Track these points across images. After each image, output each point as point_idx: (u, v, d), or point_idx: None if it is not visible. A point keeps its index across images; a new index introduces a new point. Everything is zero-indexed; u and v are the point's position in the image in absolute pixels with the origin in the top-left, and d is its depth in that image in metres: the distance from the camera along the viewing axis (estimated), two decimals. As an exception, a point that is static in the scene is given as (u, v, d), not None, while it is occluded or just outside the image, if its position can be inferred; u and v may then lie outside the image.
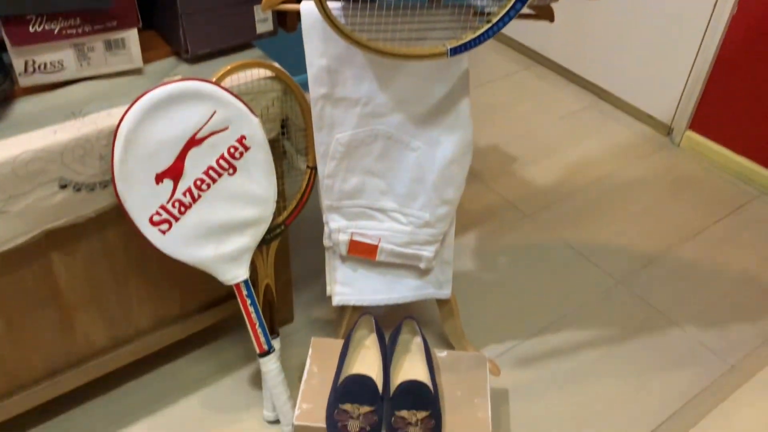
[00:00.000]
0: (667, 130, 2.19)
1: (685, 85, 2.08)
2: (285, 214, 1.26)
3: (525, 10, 1.02)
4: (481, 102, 2.31)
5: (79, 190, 1.04)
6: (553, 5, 1.14)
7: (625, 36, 2.18)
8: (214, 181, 1.11)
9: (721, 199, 1.95)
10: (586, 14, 2.27)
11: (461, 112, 1.16)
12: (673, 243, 1.81)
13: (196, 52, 1.15)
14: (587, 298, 1.65)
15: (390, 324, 1.54)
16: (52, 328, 1.19)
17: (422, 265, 1.31)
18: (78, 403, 1.37)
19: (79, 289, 1.18)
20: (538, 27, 2.47)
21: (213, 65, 1.16)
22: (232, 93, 1.08)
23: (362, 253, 1.29)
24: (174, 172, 1.07)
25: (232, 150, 1.10)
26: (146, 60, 1.14)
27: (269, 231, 1.22)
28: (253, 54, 1.19)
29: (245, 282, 1.20)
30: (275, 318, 1.30)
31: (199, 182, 1.09)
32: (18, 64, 1.03)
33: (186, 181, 1.08)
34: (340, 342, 1.34)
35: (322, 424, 1.20)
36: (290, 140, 1.25)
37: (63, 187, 1.02)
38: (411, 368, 1.31)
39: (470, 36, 1.01)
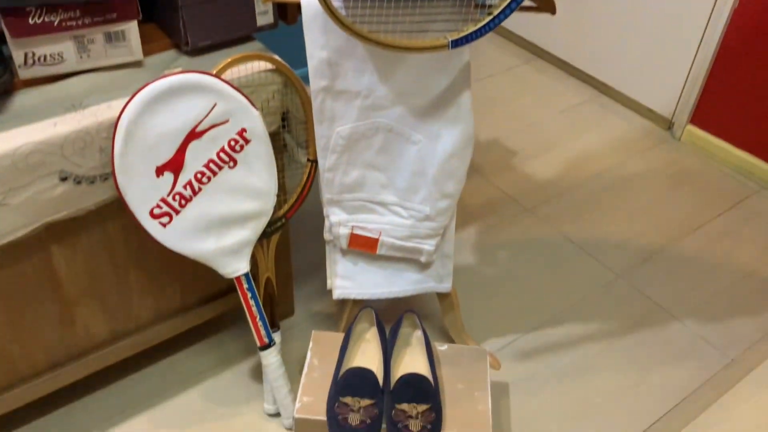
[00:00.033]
0: (668, 125, 2.18)
1: (686, 79, 2.07)
2: (286, 207, 1.26)
3: (526, 2, 1.02)
4: (482, 96, 2.31)
5: (79, 182, 1.04)
6: (555, -2, 1.14)
7: (626, 30, 2.18)
8: (214, 174, 1.10)
9: (721, 194, 1.95)
10: (587, 8, 2.27)
11: (462, 105, 1.16)
12: (674, 237, 1.81)
13: (197, 45, 1.14)
14: (587, 292, 1.65)
15: (390, 317, 1.54)
16: (53, 321, 1.19)
17: (423, 259, 1.31)
18: (79, 396, 1.37)
19: (80, 282, 1.17)
20: (538, 21, 2.46)
21: (213, 58, 1.15)
22: (232, 85, 1.08)
23: (363, 246, 1.29)
24: (174, 164, 1.07)
25: (232, 143, 1.10)
26: (146, 52, 1.14)
27: (270, 224, 1.22)
28: (254, 47, 1.19)
29: (246, 275, 1.19)
30: (276, 311, 1.30)
31: (199, 175, 1.09)
32: (18, 57, 1.03)
33: (186, 174, 1.08)
34: (340, 335, 1.34)
35: (323, 417, 1.20)
36: (291, 133, 1.24)
37: (63, 179, 1.02)
38: (411, 361, 1.31)
39: (471, 28, 1.01)
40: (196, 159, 1.08)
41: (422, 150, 1.19)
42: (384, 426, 1.19)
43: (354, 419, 1.16)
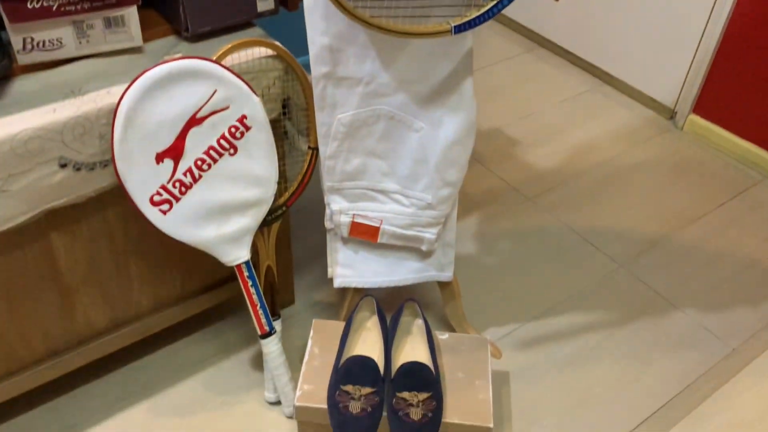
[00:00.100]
0: (670, 114, 2.17)
1: (689, 68, 2.06)
2: (286, 195, 1.25)
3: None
4: (484, 84, 2.30)
5: (79, 169, 1.03)
6: (558, -16, 1.13)
7: (628, 19, 2.16)
8: (215, 161, 1.10)
9: (724, 183, 1.95)
10: (590, -4, 2.25)
11: (465, 92, 1.15)
12: (676, 227, 1.81)
13: (197, 31, 1.13)
14: (589, 281, 1.65)
15: (391, 306, 1.54)
16: (52, 308, 1.18)
17: (424, 248, 1.30)
18: (79, 384, 1.37)
19: (80, 270, 1.17)
20: (541, 9, 2.44)
21: (213, 44, 1.14)
22: (233, 72, 1.07)
23: (364, 235, 1.29)
24: (174, 151, 1.06)
25: (233, 130, 1.09)
26: (146, 38, 1.13)
27: (270, 212, 1.22)
28: (254, 33, 1.18)
29: (246, 263, 1.19)
30: (276, 299, 1.30)
31: (199, 162, 1.08)
32: (16, 42, 1.02)
33: (186, 161, 1.07)
34: (341, 324, 1.34)
35: (324, 406, 1.20)
36: (291, 120, 1.24)
37: (63, 166, 1.01)
38: (412, 350, 1.31)
39: (475, 13, 1.00)
40: (196, 146, 1.07)
41: (424, 137, 1.18)
42: (385, 414, 1.19)
43: (355, 407, 1.16)
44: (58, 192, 1.03)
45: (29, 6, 0.99)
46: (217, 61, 1.06)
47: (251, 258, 1.19)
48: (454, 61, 1.12)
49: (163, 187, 1.07)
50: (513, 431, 1.33)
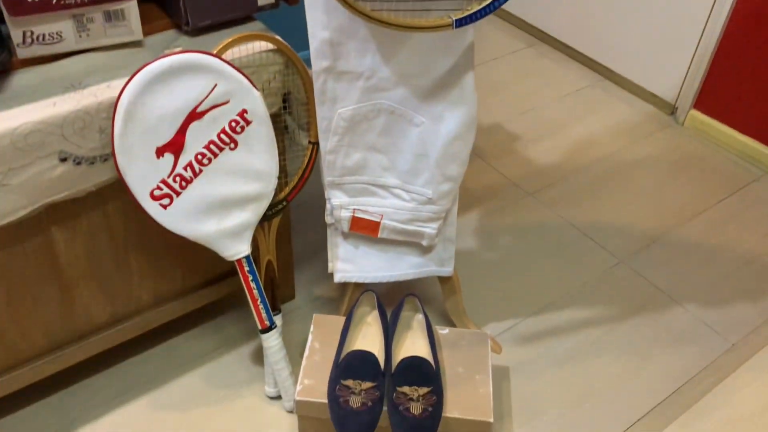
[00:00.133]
0: (671, 109, 2.17)
1: (690, 63, 2.06)
2: (287, 190, 1.25)
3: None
4: (484, 80, 2.29)
5: (79, 163, 1.03)
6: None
7: (629, 14, 2.16)
8: (215, 155, 1.09)
9: (724, 179, 1.95)
10: (591, -9, 2.25)
11: (466, 86, 1.15)
12: (676, 222, 1.81)
13: (197, 25, 1.13)
14: (589, 277, 1.65)
15: (392, 301, 1.54)
16: (53, 303, 1.18)
17: (425, 243, 1.30)
18: (79, 378, 1.37)
19: (80, 264, 1.17)
20: (542, 4, 2.44)
21: (214, 38, 1.14)
22: (233, 66, 1.06)
23: (364, 229, 1.29)
24: (175, 146, 1.06)
25: (233, 124, 1.09)
26: (146, 32, 1.13)
27: (271, 207, 1.22)
28: (255, 27, 1.18)
29: (247, 258, 1.19)
30: (277, 294, 1.30)
31: (200, 156, 1.08)
32: (16, 36, 1.01)
33: (187, 156, 1.07)
34: (341, 319, 1.34)
35: (324, 400, 1.20)
36: (292, 115, 1.23)
37: (63, 160, 1.01)
38: (413, 345, 1.31)
39: (476, 7, 0.99)
40: (196, 140, 1.07)
41: (425, 132, 1.18)
42: (385, 408, 1.19)
43: (355, 402, 1.16)
44: (58, 186, 1.03)
45: (29, -1, 0.99)
46: (218, 55, 1.06)
47: (252, 253, 1.19)
48: (455, 55, 1.11)
49: (164, 182, 1.07)
50: (513, 426, 1.34)
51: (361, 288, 1.39)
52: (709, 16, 1.96)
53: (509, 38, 2.51)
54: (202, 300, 1.38)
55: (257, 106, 1.10)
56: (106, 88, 1.02)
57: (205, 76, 1.04)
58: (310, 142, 1.24)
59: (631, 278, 1.65)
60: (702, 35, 2.00)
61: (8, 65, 1.03)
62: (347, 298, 1.41)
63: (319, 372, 1.25)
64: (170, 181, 1.07)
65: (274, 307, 1.29)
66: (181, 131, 1.05)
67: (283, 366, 1.28)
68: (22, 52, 1.03)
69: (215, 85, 1.05)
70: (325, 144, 1.20)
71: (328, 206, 1.28)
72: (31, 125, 0.96)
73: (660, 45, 2.12)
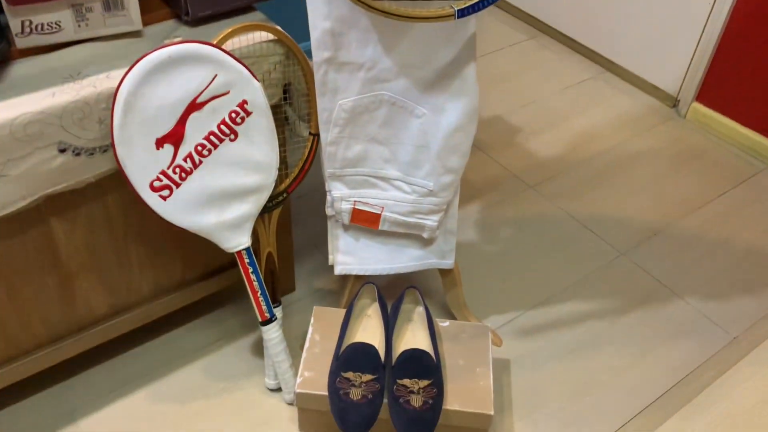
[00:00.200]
0: (673, 102, 2.16)
1: (693, 56, 2.05)
2: (287, 181, 1.24)
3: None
4: (485, 71, 2.28)
5: (78, 154, 1.02)
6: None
7: (632, 6, 2.14)
8: (215, 146, 1.09)
9: (726, 172, 1.94)
10: (593, -17, 2.23)
11: (467, 78, 1.14)
12: (678, 215, 1.80)
13: (197, 15, 1.12)
14: (590, 269, 1.64)
15: (392, 293, 1.54)
16: (52, 294, 1.18)
17: (425, 235, 1.30)
18: (79, 370, 1.37)
19: (79, 256, 1.17)
20: (543, -4, 2.43)
21: (214, 28, 1.13)
22: (233, 56, 1.06)
23: (365, 221, 1.28)
24: (174, 136, 1.05)
25: (233, 115, 1.08)
26: (146, 22, 1.12)
27: (271, 199, 1.21)
28: (255, 17, 1.17)
29: (247, 250, 1.19)
30: (277, 286, 1.29)
31: (200, 147, 1.08)
32: (15, 25, 1.01)
33: (187, 147, 1.07)
34: (342, 311, 1.34)
35: (324, 392, 1.20)
36: (292, 106, 1.23)
37: (62, 151, 1.00)
38: (413, 337, 1.31)
39: (478, -2, 0.98)
40: (196, 131, 1.06)
41: (426, 123, 1.18)
42: (385, 401, 1.19)
43: (355, 394, 1.16)
44: (57, 177, 1.02)
45: (27, -12, 0.98)
46: (218, 46, 1.05)
47: (252, 245, 1.19)
48: (457, 46, 1.10)
49: (163, 173, 1.06)
50: (513, 418, 1.34)
51: (362, 280, 1.39)
52: (711, 8, 1.95)
53: (511, 30, 2.50)
54: (202, 292, 1.38)
55: (258, 97, 1.09)
56: (105, 78, 1.02)
57: (205, 67, 1.04)
58: (310, 134, 1.23)
59: (632, 271, 1.64)
60: (704, 27, 1.99)
61: (7, 55, 1.02)
62: (347, 291, 1.41)
63: (319, 364, 1.24)
64: (170, 172, 1.06)
65: (275, 300, 1.28)
66: (181, 122, 1.05)
67: (283, 358, 1.28)
68: (20, 42, 1.02)
69: (215, 76, 1.05)
70: (326, 135, 1.19)
71: (328, 198, 1.27)
72: (30, 116, 0.95)
73: (662, 37, 2.11)
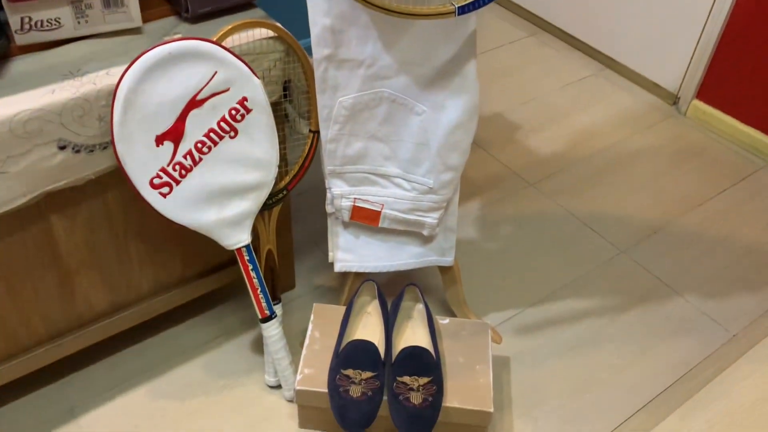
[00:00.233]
0: (674, 99, 2.16)
1: (693, 53, 2.05)
2: (287, 179, 1.24)
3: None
4: (485, 68, 2.28)
5: (78, 151, 1.02)
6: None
7: (632, 3, 2.14)
8: (215, 143, 1.09)
9: (726, 169, 1.94)
10: (594, -20, 2.23)
11: (467, 75, 1.14)
12: (678, 213, 1.80)
13: (197, 12, 1.12)
14: (590, 267, 1.64)
15: (392, 290, 1.54)
16: (52, 291, 1.18)
17: (425, 232, 1.30)
18: (79, 367, 1.37)
19: (79, 253, 1.17)
20: (544, -7, 2.42)
21: (214, 25, 1.13)
22: (233, 53, 1.05)
23: (365, 219, 1.28)
24: (174, 134, 1.05)
25: (233, 112, 1.08)
26: (145, 19, 1.12)
27: (271, 196, 1.21)
28: (255, 14, 1.17)
29: (247, 247, 1.19)
30: (277, 283, 1.29)
31: (200, 145, 1.07)
32: (14, 22, 1.00)
33: (187, 144, 1.06)
34: (342, 308, 1.34)
35: (324, 389, 1.20)
36: (292, 103, 1.22)
37: (62, 148, 1.00)
38: (413, 334, 1.31)
39: (478, -5, 0.98)
40: (196, 128, 1.06)
41: (426, 121, 1.17)
42: (385, 398, 1.19)
43: (355, 391, 1.16)
44: (57, 174, 1.02)
45: (27, -15, 0.98)
46: (218, 43, 1.05)
47: (252, 242, 1.19)
48: (457, 43, 1.10)
49: (163, 170, 1.06)
50: (513, 416, 1.34)
51: (362, 277, 1.39)
52: (712, 6, 1.95)
53: (511, 27, 2.50)
54: (202, 289, 1.38)
55: (257, 94, 1.09)
56: (105, 75, 1.01)
57: (205, 64, 1.03)
58: (310, 131, 1.23)
59: (631, 269, 1.64)
60: (705, 25, 1.98)
61: (6, 52, 1.02)
62: (347, 288, 1.41)
63: (319, 361, 1.24)
64: (170, 169, 1.06)
65: (274, 297, 1.28)
66: (181, 119, 1.05)
67: (283, 355, 1.28)
68: (20, 39, 1.02)
69: (215, 73, 1.05)
70: (326, 133, 1.19)
71: (328, 195, 1.27)
72: (29, 112, 0.95)
73: (663, 34, 2.10)
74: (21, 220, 1.06)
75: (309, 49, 1.12)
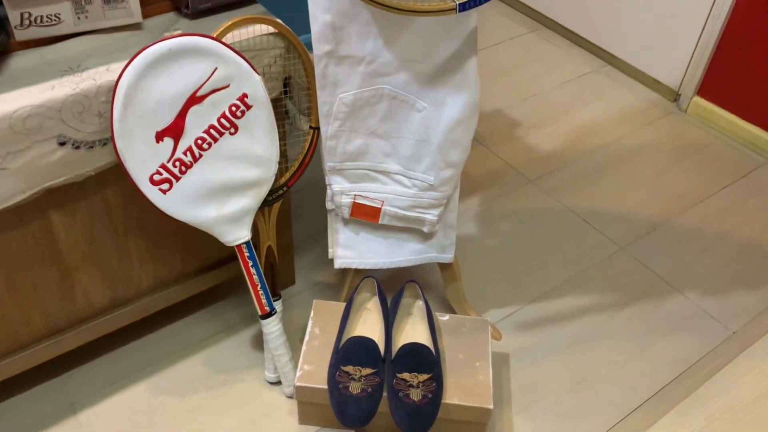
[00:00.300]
0: (675, 96, 2.16)
1: (694, 50, 2.04)
2: (287, 175, 1.24)
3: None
4: (486, 65, 2.28)
5: (78, 147, 1.02)
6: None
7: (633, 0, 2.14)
8: (215, 140, 1.09)
9: (727, 167, 1.94)
10: (595, -24, 2.22)
11: (468, 72, 1.13)
12: (678, 209, 1.80)
13: (197, 7, 1.12)
14: (590, 264, 1.64)
15: (392, 287, 1.54)
16: (52, 287, 1.18)
17: (425, 229, 1.30)
18: (79, 363, 1.37)
19: (79, 249, 1.17)
20: (545, -11, 2.42)
21: (214, 21, 1.13)
22: (233, 49, 1.05)
23: (365, 215, 1.28)
24: (174, 130, 1.05)
25: (233, 108, 1.08)
26: (145, 15, 1.12)
27: (271, 192, 1.21)
28: (255, 10, 1.16)
29: (247, 243, 1.18)
30: (277, 280, 1.29)
31: (200, 141, 1.07)
32: (14, 17, 1.00)
33: (187, 140, 1.06)
34: (341, 305, 1.34)
35: (324, 386, 1.20)
36: (293, 100, 1.22)
37: (62, 144, 1.00)
38: (413, 331, 1.31)
39: (479, -8, 0.98)
40: (196, 124, 1.06)
41: (427, 118, 1.17)
42: (385, 395, 1.19)
43: (355, 388, 1.16)
44: (57, 170, 1.02)
45: (26, -20, 0.97)
46: (218, 39, 1.04)
47: (252, 238, 1.19)
48: (458, 40, 1.10)
49: (163, 167, 1.06)
50: (513, 412, 1.34)
51: (362, 274, 1.39)
52: (713, 2, 1.94)
53: (512, 23, 2.49)
54: (202, 285, 1.38)
55: (258, 90, 1.09)
56: (105, 71, 1.01)
57: (205, 60, 1.03)
58: (311, 127, 1.23)
59: (631, 265, 1.64)
60: (706, 21, 1.98)
61: (6, 47, 1.02)
62: (347, 284, 1.41)
63: (319, 358, 1.25)
64: (170, 165, 1.06)
65: (274, 293, 1.28)
66: (181, 115, 1.04)
67: (283, 351, 1.28)
68: (19, 34, 1.02)
69: (215, 69, 1.04)
70: (326, 129, 1.19)
71: (328, 192, 1.27)
72: (29, 109, 0.95)
73: (664, 31, 2.10)
74: (21, 216, 1.06)
75: (309, 46, 1.12)
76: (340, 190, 1.26)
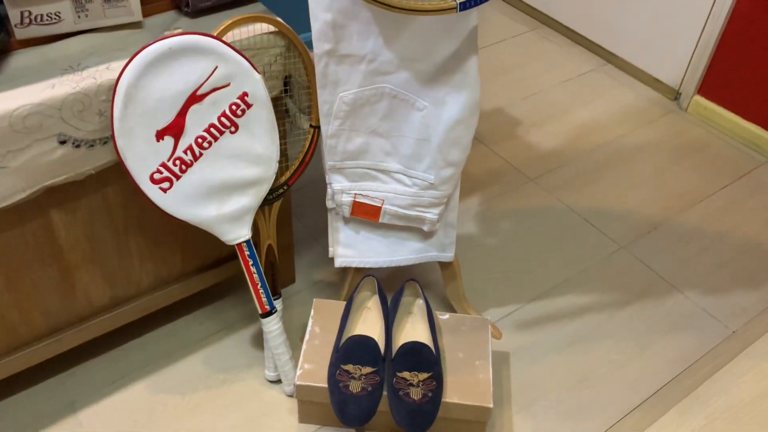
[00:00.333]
0: (675, 95, 2.15)
1: (695, 49, 2.04)
2: (287, 174, 1.24)
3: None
4: (486, 63, 2.27)
5: (78, 146, 1.02)
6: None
7: (634, -3, 2.14)
8: (215, 139, 1.09)
9: (727, 166, 1.94)
10: (596, -26, 2.22)
11: (469, 71, 1.13)
12: (678, 208, 1.80)
13: (197, 6, 1.12)
14: (590, 262, 1.64)
15: (392, 286, 1.54)
16: (53, 286, 1.18)
17: (426, 228, 1.30)
18: (79, 361, 1.38)
19: (79, 248, 1.17)
20: (545, -13, 2.41)
21: (214, 19, 1.13)
22: (234, 48, 1.05)
23: (365, 214, 1.28)
24: (175, 129, 1.05)
25: (233, 107, 1.08)
26: (146, 13, 1.12)
27: (271, 191, 1.21)
28: (256, 9, 1.16)
29: (247, 242, 1.18)
30: (277, 279, 1.29)
31: (200, 140, 1.07)
32: (14, 16, 1.00)
33: (187, 139, 1.06)
34: (342, 303, 1.34)
35: (324, 384, 1.20)
36: (293, 98, 1.22)
37: (62, 143, 1.00)
38: (413, 330, 1.31)
39: (480, -9, 0.98)
40: (196, 123, 1.06)
41: (427, 116, 1.17)
42: (385, 393, 1.19)
43: (355, 386, 1.17)
44: (57, 169, 1.02)
45: (27, -21, 0.97)
46: (218, 37, 1.04)
47: (252, 237, 1.19)
48: (459, 39, 1.10)
49: (164, 165, 1.06)
50: (513, 411, 1.34)
51: (362, 273, 1.39)
52: (714, 1, 1.94)
53: (512, 22, 2.49)
54: (202, 284, 1.38)
55: (258, 89, 1.09)
56: (105, 69, 1.01)
57: (206, 59, 1.03)
58: (311, 126, 1.23)
59: (631, 264, 1.65)
60: (707, 20, 1.98)
61: (6, 46, 1.02)
62: (347, 283, 1.41)
63: (319, 356, 1.25)
64: (170, 164, 1.06)
65: (275, 292, 1.28)
66: (181, 114, 1.04)
67: (283, 350, 1.28)
68: (20, 33, 1.02)
69: (215, 68, 1.04)
70: (327, 128, 1.19)
71: (329, 191, 1.27)
72: (29, 107, 0.95)
73: (664, 30, 2.10)
74: (21, 215, 1.06)
75: (310, 44, 1.12)
76: (341, 188, 1.26)
